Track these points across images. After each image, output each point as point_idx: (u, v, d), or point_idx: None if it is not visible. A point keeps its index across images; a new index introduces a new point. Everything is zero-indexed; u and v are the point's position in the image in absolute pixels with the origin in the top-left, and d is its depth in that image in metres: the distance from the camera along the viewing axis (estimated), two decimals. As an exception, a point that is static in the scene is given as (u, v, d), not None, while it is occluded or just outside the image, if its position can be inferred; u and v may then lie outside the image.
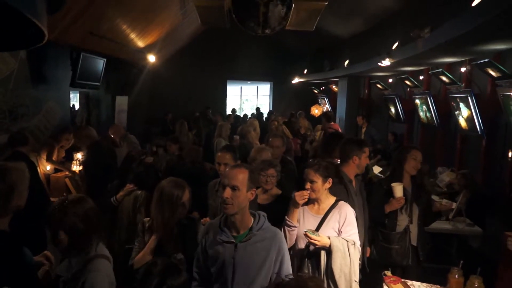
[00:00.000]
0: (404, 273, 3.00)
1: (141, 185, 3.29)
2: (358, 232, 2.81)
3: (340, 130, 7.04)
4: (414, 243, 3.12)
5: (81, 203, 1.81)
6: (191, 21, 8.57)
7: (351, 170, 2.89)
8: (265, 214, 2.04)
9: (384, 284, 2.63)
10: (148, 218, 2.49)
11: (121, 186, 3.35)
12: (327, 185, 2.48)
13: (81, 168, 5.00)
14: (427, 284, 2.60)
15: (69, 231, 1.75)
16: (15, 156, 3.77)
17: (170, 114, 10.13)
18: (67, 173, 4.89)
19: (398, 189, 2.98)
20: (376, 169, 5.91)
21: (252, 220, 1.98)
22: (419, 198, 3.15)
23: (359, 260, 2.94)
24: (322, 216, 2.48)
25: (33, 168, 3.87)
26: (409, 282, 2.63)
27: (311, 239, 2.30)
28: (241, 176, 1.90)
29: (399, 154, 3.27)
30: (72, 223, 1.75)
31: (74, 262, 1.78)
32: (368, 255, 3.06)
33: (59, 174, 4.83)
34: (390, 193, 3.08)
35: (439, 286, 2.55)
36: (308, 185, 2.44)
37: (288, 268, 2.02)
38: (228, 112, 12.53)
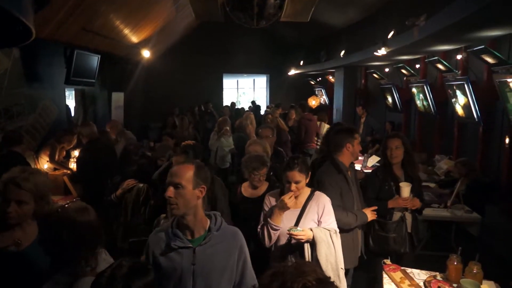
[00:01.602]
0: (399, 260, 3.02)
1: (143, 179, 3.31)
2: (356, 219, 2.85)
3: (313, 120, 7.14)
4: (409, 230, 3.15)
5: (82, 213, 1.69)
6: (185, 15, 8.50)
7: (346, 158, 2.90)
8: (220, 214, 1.89)
9: (383, 272, 2.65)
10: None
11: (121, 182, 3.36)
12: (308, 178, 2.47)
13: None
14: (426, 271, 2.62)
15: (56, 241, 1.61)
16: (9, 156, 3.76)
17: (177, 109, 9.84)
18: (64, 171, 4.88)
19: (405, 190, 2.96)
20: (374, 159, 5.93)
21: (209, 221, 1.81)
22: (412, 185, 3.16)
23: (360, 247, 2.98)
24: (300, 209, 2.47)
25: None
26: (409, 270, 2.64)
27: (296, 235, 2.29)
28: (186, 173, 1.72)
29: (381, 147, 3.33)
30: (60, 233, 1.60)
31: (60, 279, 1.61)
32: None
33: (57, 173, 4.83)
34: (384, 182, 3.10)
35: (438, 273, 2.56)
36: (293, 186, 2.39)
37: (250, 269, 1.86)
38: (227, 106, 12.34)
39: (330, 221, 2.46)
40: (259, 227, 2.52)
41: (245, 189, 3.13)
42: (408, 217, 3.14)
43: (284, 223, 2.40)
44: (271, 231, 2.41)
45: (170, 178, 1.73)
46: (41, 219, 1.77)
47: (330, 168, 2.88)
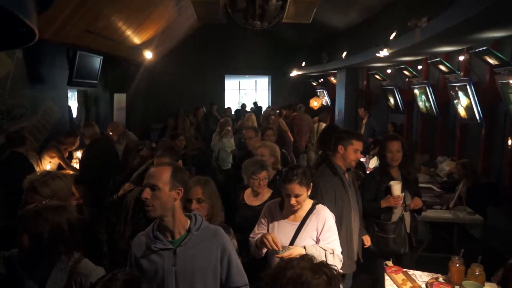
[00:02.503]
0: (400, 261, 3.01)
1: (141, 182, 3.30)
2: (352, 224, 2.80)
3: (305, 119, 7.17)
4: (408, 231, 3.14)
5: (58, 211, 1.68)
6: (187, 17, 8.52)
7: (340, 161, 2.82)
8: (201, 214, 1.88)
9: (385, 274, 2.64)
10: None
11: (123, 182, 3.36)
12: (309, 190, 2.32)
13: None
14: (428, 273, 2.61)
15: (34, 238, 1.61)
16: (13, 157, 3.77)
17: (182, 110, 9.78)
18: (72, 173, 4.92)
19: (396, 188, 2.96)
20: (376, 160, 5.91)
21: (189, 221, 1.80)
22: (410, 187, 3.16)
23: (357, 250, 2.91)
24: (298, 223, 2.30)
25: (31, 168, 3.88)
26: (411, 272, 2.64)
27: (285, 257, 2.01)
28: (162, 175, 1.72)
29: (378, 150, 3.28)
30: (39, 230, 1.61)
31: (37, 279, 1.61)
32: (368, 244, 3.07)
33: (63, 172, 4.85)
34: (382, 184, 3.10)
35: (440, 275, 2.55)
36: (293, 201, 2.22)
37: (237, 265, 1.87)
38: (232, 108, 12.20)
39: (331, 239, 2.27)
40: (251, 236, 2.40)
41: (247, 196, 3.03)
42: (407, 217, 3.14)
43: (280, 238, 2.20)
44: (257, 252, 2.29)
45: (147, 179, 1.74)
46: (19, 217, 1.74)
47: (325, 170, 2.84)
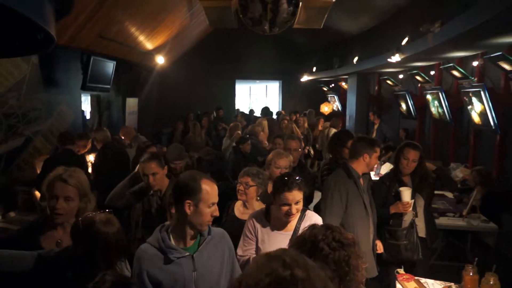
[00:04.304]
0: (413, 268, 2.97)
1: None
2: (367, 230, 2.78)
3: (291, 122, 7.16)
4: (422, 235, 3.11)
5: (110, 224, 1.71)
6: (199, 22, 8.60)
7: (360, 167, 2.84)
8: None
9: (397, 282, 2.60)
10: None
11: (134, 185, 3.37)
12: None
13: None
14: (441, 282, 2.57)
15: (86, 252, 1.64)
16: (65, 153, 4.25)
17: (192, 115, 9.83)
18: None
19: (405, 194, 2.94)
20: (388, 166, 5.85)
21: None
22: (422, 190, 3.13)
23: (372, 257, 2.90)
24: (291, 232, 2.20)
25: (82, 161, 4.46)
26: (423, 280, 2.60)
27: None
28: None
29: (395, 152, 3.26)
30: (91, 242, 1.64)
31: None
32: (381, 250, 3.03)
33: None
34: (391, 189, 3.08)
35: (453, 283, 2.51)
36: (294, 209, 2.13)
37: (237, 264, 1.97)
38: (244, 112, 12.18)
39: None
40: (239, 255, 2.26)
41: (237, 207, 2.77)
42: (420, 222, 3.11)
43: (272, 248, 2.10)
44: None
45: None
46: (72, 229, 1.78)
47: (341, 172, 2.86)
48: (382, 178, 3.37)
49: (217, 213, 1.77)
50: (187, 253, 1.74)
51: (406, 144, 3.21)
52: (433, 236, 3.20)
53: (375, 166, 2.94)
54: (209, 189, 1.73)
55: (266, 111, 10.35)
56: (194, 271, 1.73)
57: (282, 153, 3.16)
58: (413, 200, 2.98)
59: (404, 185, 3.07)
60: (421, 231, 3.13)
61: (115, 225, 1.72)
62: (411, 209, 3.00)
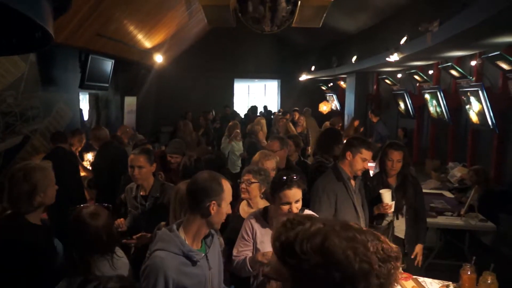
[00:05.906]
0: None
1: None
2: None
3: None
4: (401, 235, 3.09)
5: (99, 216, 1.78)
6: (198, 21, 8.59)
7: (347, 167, 2.76)
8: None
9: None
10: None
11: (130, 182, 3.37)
12: None
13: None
14: (439, 281, 2.57)
15: (75, 245, 1.74)
16: (58, 151, 4.30)
17: (190, 114, 9.74)
18: (85, 174, 4.97)
19: (386, 196, 2.92)
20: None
21: None
22: (406, 193, 3.09)
23: None
24: None
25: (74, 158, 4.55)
26: (421, 279, 2.60)
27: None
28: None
29: (380, 155, 3.20)
30: (81, 234, 1.74)
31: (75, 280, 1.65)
32: None
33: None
34: (375, 190, 3.05)
35: (451, 282, 2.51)
36: (295, 208, 2.10)
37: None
38: (241, 112, 12.20)
39: None
40: (234, 255, 2.26)
41: (242, 207, 2.75)
42: (401, 223, 3.09)
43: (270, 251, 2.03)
44: (249, 272, 2.19)
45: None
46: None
47: (330, 175, 2.80)
48: (367, 178, 3.26)
49: (230, 210, 1.83)
50: (203, 254, 1.79)
51: (389, 145, 3.15)
52: (412, 242, 3.12)
53: (361, 169, 2.75)
54: (229, 188, 1.78)
55: (253, 110, 10.43)
56: (210, 270, 1.80)
57: (269, 154, 3.11)
58: (393, 202, 2.94)
59: (388, 186, 3.06)
60: (400, 231, 3.10)
61: (102, 218, 1.78)
62: (391, 210, 2.97)
